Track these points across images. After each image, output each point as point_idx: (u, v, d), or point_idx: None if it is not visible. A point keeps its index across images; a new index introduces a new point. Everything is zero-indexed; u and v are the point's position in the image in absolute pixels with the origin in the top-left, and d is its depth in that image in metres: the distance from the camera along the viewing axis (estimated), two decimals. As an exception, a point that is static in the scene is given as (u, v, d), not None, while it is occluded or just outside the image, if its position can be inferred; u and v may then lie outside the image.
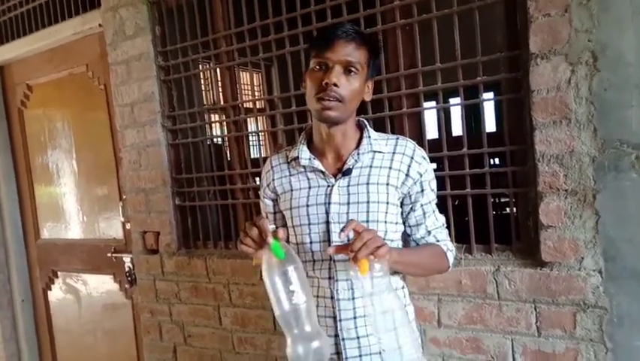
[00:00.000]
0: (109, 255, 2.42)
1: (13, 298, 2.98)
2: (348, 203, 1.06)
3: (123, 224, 2.38)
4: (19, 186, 2.94)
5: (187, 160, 2.10)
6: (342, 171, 1.08)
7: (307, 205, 1.09)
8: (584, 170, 1.30)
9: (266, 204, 1.23)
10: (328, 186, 1.08)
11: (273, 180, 1.18)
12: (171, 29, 2.07)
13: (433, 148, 1.58)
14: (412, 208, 1.12)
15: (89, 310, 2.68)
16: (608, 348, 1.31)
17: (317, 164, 1.10)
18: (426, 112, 1.60)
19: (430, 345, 1.55)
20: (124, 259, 2.37)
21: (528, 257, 1.44)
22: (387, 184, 1.07)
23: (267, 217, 1.22)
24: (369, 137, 1.11)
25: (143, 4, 2.06)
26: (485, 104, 1.52)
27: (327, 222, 1.07)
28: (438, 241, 1.15)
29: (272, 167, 1.20)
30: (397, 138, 1.13)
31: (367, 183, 1.06)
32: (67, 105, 2.60)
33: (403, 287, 1.14)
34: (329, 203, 1.07)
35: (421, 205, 1.12)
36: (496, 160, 3.03)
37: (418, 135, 1.63)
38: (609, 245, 1.29)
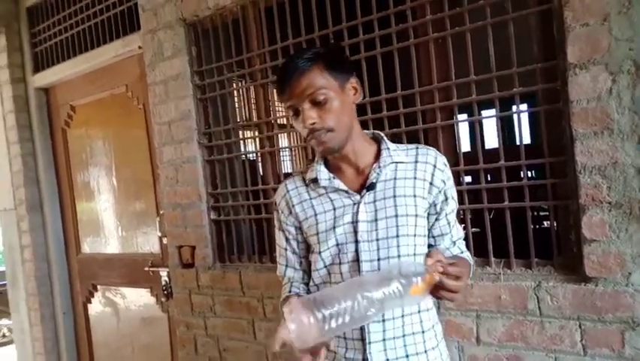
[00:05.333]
0: (146, 269, 2.48)
1: (55, 311, 3.08)
2: (376, 220, 1.02)
3: (160, 239, 2.44)
4: (62, 202, 3.06)
5: (222, 175, 2.14)
6: (367, 186, 1.04)
7: (334, 227, 1.04)
8: (628, 182, 1.26)
9: (287, 234, 1.16)
10: (354, 204, 1.04)
11: (293, 205, 1.12)
12: (207, 49, 2.13)
13: (467, 161, 1.57)
14: (436, 218, 1.09)
15: (127, 323, 2.74)
16: (661, 369, 1.24)
17: (338, 183, 1.06)
18: (459, 125, 1.59)
19: (468, 363, 1.51)
20: (160, 273, 2.42)
21: (571, 272, 1.39)
22: (414, 196, 1.04)
23: (285, 254, 1.18)
24: (388, 148, 1.07)
25: (181, 27, 2.14)
26: (521, 115, 1.50)
27: (356, 242, 1.02)
28: (462, 252, 1.13)
29: (287, 190, 1.14)
30: (417, 147, 1.09)
31: (394, 196, 1.02)
32: (107, 124, 2.72)
33: (431, 308, 1.09)
34: (357, 221, 1.02)
35: (446, 215, 1.09)
36: (532, 173, 2.96)
37: (453, 148, 1.62)
38: (658, 260, 1.24)
